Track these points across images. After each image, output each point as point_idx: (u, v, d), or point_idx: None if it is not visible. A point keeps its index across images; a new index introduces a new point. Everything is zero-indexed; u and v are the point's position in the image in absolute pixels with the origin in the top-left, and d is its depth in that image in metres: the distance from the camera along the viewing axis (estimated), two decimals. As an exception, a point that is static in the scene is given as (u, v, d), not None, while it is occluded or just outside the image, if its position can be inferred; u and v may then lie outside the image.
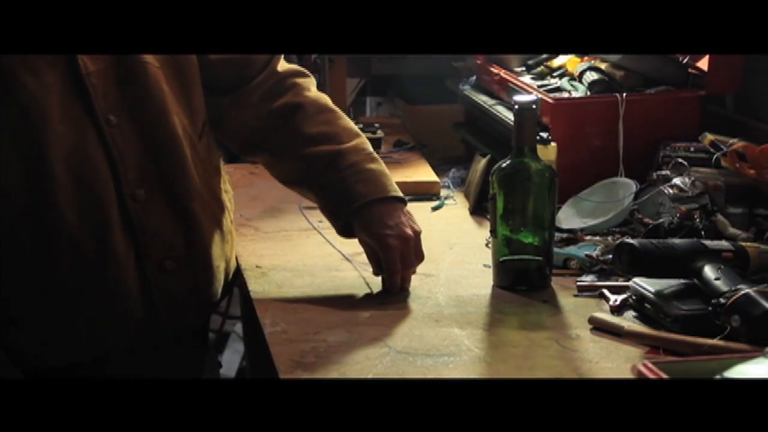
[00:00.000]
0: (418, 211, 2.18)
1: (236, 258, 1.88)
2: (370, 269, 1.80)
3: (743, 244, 1.72)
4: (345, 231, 1.81)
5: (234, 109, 1.81)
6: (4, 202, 1.52)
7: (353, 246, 1.93)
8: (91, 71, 1.57)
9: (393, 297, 1.74)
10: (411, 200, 2.22)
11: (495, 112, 2.28)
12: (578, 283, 1.78)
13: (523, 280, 1.78)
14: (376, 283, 1.79)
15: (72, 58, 1.56)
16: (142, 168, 1.62)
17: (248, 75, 1.82)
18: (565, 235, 1.94)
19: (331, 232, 2.04)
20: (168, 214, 1.65)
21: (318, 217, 2.12)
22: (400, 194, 1.79)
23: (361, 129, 2.40)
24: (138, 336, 1.64)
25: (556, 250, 1.83)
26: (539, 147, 1.84)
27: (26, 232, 1.55)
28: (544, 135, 2.05)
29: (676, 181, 1.92)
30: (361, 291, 1.78)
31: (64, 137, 1.55)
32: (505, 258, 1.78)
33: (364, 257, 1.82)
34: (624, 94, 2.09)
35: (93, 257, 1.58)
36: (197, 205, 1.68)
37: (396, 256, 1.73)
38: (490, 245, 1.83)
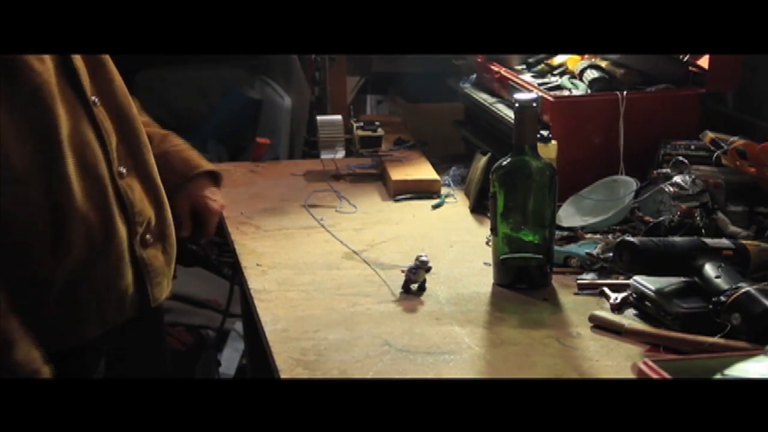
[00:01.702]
0: (419, 209, 2.19)
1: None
2: (377, 265, 1.83)
3: (744, 242, 1.72)
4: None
5: None
6: (21, 185, 1.53)
7: (358, 243, 1.93)
8: (75, 55, 1.61)
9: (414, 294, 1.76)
10: (411, 198, 2.24)
11: (495, 110, 2.28)
12: (579, 281, 1.78)
13: (524, 278, 1.78)
14: (388, 277, 1.80)
15: None
16: (120, 147, 1.67)
17: None
18: (565, 233, 1.94)
19: (336, 229, 2.05)
20: (143, 191, 1.71)
21: (321, 214, 2.13)
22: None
23: (361, 127, 2.43)
24: (130, 309, 1.68)
25: (556, 248, 1.83)
26: (539, 145, 1.84)
27: (43, 213, 1.56)
28: (545, 133, 2.05)
29: (677, 179, 1.92)
30: (361, 289, 1.78)
31: (65, 118, 1.58)
32: (505, 256, 1.78)
33: (369, 253, 1.83)
34: (624, 92, 2.09)
35: (100, 234, 1.61)
36: (159, 183, 1.76)
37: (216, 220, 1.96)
38: (490, 243, 1.83)
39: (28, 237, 1.54)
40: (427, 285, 1.77)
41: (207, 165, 1.96)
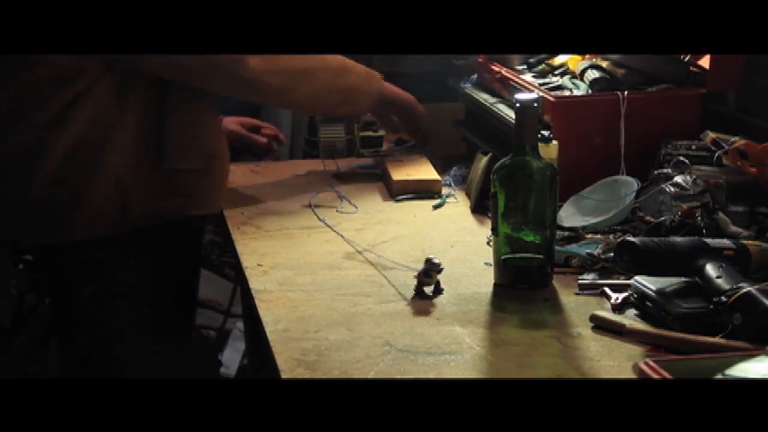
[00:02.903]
0: (420, 210, 2.19)
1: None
2: (378, 265, 1.84)
3: (744, 242, 1.72)
4: None
5: None
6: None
7: (359, 243, 1.93)
8: None
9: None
10: (412, 198, 2.24)
11: (496, 110, 2.28)
12: (579, 282, 1.77)
13: (525, 279, 1.78)
14: (389, 277, 1.80)
15: None
16: None
17: None
18: (566, 234, 1.93)
19: (341, 227, 2.05)
20: None
21: (322, 215, 2.13)
22: None
23: (362, 127, 2.43)
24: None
25: (557, 248, 1.83)
26: (540, 145, 1.84)
27: None
28: (546, 133, 2.04)
29: (678, 179, 1.92)
30: (362, 289, 1.78)
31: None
32: (506, 256, 1.78)
33: (370, 254, 1.83)
34: (625, 92, 2.09)
35: None
36: None
37: None
38: (491, 243, 1.82)
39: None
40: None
41: None
